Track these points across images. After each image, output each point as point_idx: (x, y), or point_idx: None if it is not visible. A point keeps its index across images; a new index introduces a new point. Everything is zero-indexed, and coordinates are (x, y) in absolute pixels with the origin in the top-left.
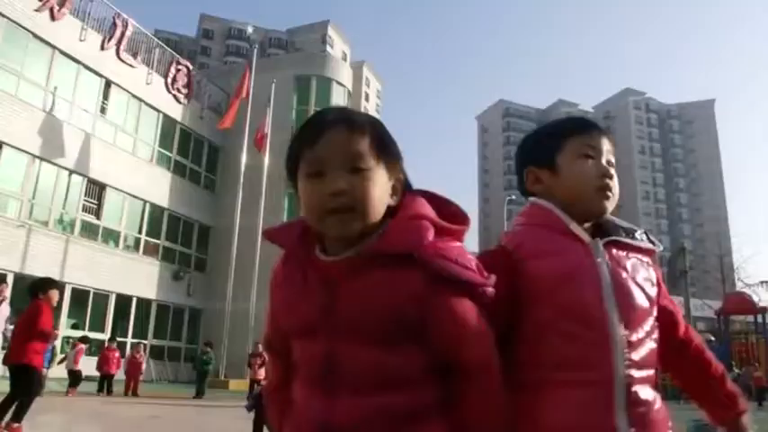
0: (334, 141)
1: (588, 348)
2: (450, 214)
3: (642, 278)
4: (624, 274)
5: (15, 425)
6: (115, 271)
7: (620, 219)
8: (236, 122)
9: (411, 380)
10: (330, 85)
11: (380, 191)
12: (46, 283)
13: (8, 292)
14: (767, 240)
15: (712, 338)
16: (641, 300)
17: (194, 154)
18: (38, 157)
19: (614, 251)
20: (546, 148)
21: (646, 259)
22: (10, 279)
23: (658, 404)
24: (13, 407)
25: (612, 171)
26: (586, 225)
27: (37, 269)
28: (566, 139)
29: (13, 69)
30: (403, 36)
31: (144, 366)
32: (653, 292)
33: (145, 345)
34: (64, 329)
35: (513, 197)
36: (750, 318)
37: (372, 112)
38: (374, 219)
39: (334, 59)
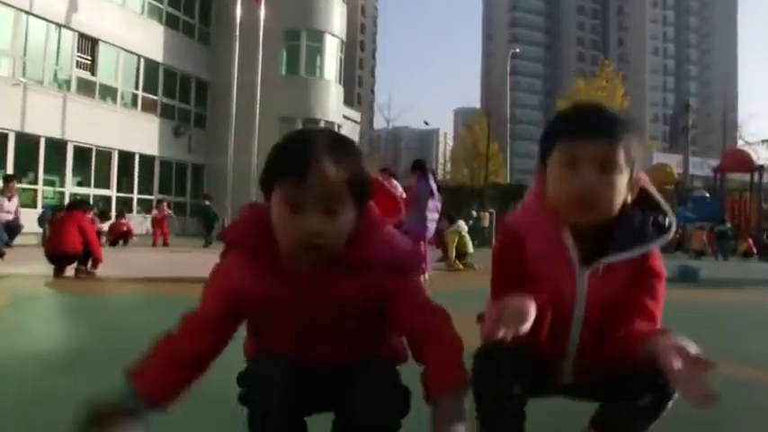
0: (315, 184)
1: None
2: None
3: (626, 287)
4: (604, 294)
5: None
6: (115, 128)
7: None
8: None
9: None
10: None
11: (348, 227)
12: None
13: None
14: None
15: (707, 195)
16: (613, 309)
17: (186, 4)
18: (24, 11)
19: (603, 270)
20: (543, 148)
21: (644, 264)
22: (11, 138)
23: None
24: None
25: (593, 179)
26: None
27: (37, 128)
28: (555, 143)
29: None
30: None
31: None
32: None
33: (169, 202)
34: (69, 187)
35: (518, 50)
36: (747, 176)
37: None
38: (339, 249)
39: None
